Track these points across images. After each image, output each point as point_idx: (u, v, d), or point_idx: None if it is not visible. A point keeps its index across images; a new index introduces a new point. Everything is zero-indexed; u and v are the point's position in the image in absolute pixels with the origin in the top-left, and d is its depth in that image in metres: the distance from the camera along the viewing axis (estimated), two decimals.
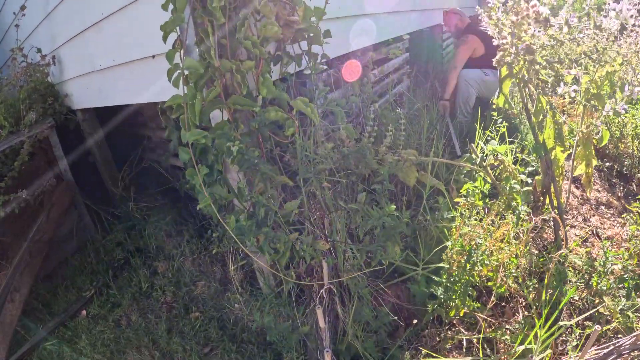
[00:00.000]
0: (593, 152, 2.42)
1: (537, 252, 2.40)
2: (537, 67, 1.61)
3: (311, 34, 1.81)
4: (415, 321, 1.84)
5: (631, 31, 2.34)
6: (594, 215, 3.01)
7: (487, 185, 2.18)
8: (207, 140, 1.51)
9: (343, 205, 1.54)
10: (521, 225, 2.10)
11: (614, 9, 1.44)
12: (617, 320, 1.85)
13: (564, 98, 1.86)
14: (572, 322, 1.75)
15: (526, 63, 1.61)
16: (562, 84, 1.59)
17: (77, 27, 2.75)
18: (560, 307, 1.69)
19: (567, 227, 2.71)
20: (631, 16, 1.55)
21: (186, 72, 1.51)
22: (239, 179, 1.62)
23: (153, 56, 2.07)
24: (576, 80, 2.20)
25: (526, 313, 2.05)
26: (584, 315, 1.81)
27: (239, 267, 2.14)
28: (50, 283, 3.03)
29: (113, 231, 3.21)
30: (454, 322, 1.99)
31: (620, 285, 1.98)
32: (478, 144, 2.61)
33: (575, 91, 1.56)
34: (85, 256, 3.14)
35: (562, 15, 1.50)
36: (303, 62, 1.92)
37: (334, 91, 2.43)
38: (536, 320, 1.90)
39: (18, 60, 3.49)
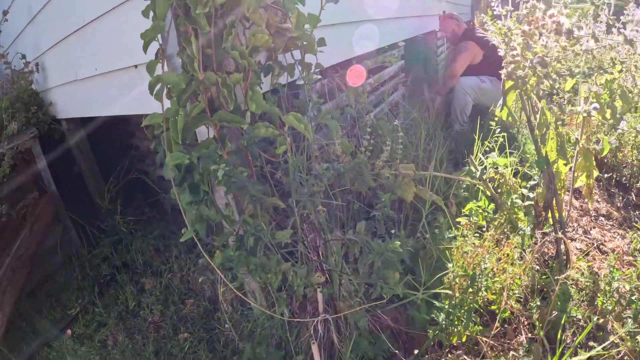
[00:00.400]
0: (594, 163, 2.35)
1: (538, 267, 2.32)
2: (550, 81, 1.52)
3: (304, 43, 1.70)
4: (416, 351, 1.75)
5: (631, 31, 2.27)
6: (594, 227, 2.94)
7: (492, 205, 2.09)
8: (192, 158, 1.41)
9: (341, 235, 1.44)
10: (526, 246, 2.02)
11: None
12: (624, 346, 1.77)
13: (563, 108, 1.77)
14: (585, 357, 1.66)
15: (536, 76, 1.53)
16: (581, 101, 1.50)
17: (59, 34, 2.65)
18: (575, 343, 1.60)
19: (569, 241, 2.64)
20: None
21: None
22: (227, 199, 1.52)
23: (135, 66, 1.96)
24: (575, 91, 2.13)
25: (529, 335, 1.96)
26: (600, 347, 1.72)
27: (228, 288, 2.04)
28: (35, 300, 2.91)
29: (99, 245, 3.09)
30: (455, 344, 1.90)
31: (627, 307, 1.90)
32: (477, 155, 2.53)
33: (595, 109, 1.47)
34: (71, 271, 3.02)
35: (583, 26, 1.42)
36: (295, 72, 1.82)
37: (327, 102, 2.33)
38: (541, 348, 1.82)
39: (1, 68, 3.38)
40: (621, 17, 1.50)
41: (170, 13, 1.41)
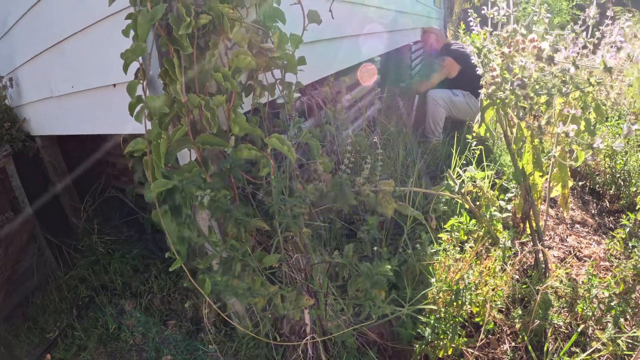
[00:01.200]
0: (569, 173, 2.41)
1: (517, 277, 2.35)
2: (529, 101, 1.56)
3: (285, 62, 1.71)
4: None
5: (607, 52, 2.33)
6: (570, 235, 3.00)
7: (473, 221, 2.13)
8: (174, 181, 1.39)
9: (328, 258, 1.44)
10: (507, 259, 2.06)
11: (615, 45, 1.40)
12: (607, 351, 1.81)
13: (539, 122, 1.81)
14: None
15: (515, 96, 1.56)
16: (560, 123, 1.54)
17: (35, 49, 2.61)
18: (561, 353, 1.62)
19: (547, 250, 2.69)
20: None
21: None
22: (210, 223, 1.50)
23: (114, 85, 1.94)
24: (549, 104, 2.19)
25: (513, 344, 1.99)
26: (585, 355, 1.75)
27: (211, 309, 2.01)
28: (12, 324, 2.82)
29: (76, 266, 3.02)
30: (441, 357, 1.92)
31: (606, 312, 1.94)
32: (455, 169, 2.57)
33: (574, 130, 1.51)
34: (48, 294, 2.94)
35: (562, 49, 1.46)
36: (276, 91, 1.82)
37: (307, 119, 2.34)
38: (525, 355, 1.85)
39: None
40: (604, 38, 1.54)
41: (152, 33, 1.40)
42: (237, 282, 1.27)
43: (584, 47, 1.53)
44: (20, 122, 3.26)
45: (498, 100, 1.65)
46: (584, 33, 1.46)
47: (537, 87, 1.51)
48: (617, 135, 1.62)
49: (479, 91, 1.79)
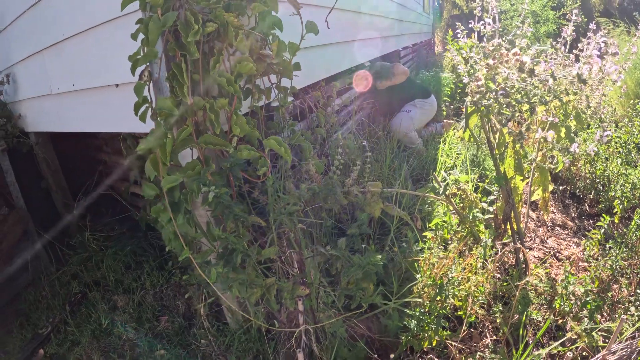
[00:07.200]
0: (549, 177, 2.52)
1: (499, 275, 2.45)
2: (512, 109, 1.67)
3: (282, 68, 1.80)
4: (392, 355, 1.85)
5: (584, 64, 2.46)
6: (550, 237, 3.11)
7: (456, 220, 2.23)
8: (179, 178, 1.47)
9: (323, 251, 1.53)
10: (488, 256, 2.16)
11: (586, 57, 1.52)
12: (582, 342, 1.92)
13: (523, 127, 1.92)
14: (545, 351, 1.79)
15: (497, 104, 1.67)
16: (539, 129, 1.65)
17: (34, 47, 2.64)
18: (534, 339, 1.72)
19: (527, 250, 2.79)
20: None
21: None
22: (208, 218, 1.58)
23: (117, 85, 2.00)
24: (532, 110, 2.30)
25: (494, 337, 2.09)
26: (558, 344, 1.85)
27: (206, 303, 2.08)
28: (4, 319, 2.84)
29: (68, 263, 3.05)
30: (425, 349, 2.01)
31: (582, 307, 2.05)
32: (440, 172, 2.67)
33: (551, 135, 1.62)
34: (40, 290, 2.96)
35: (542, 62, 1.57)
36: (271, 94, 1.91)
37: (299, 122, 2.43)
38: (506, 348, 1.95)
39: None
40: (583, 51, 1.66)
41: (161, 39, 1.47)
42: (235, 274, 1.35)
43: (564, 60, 1.64)
44: (15, 118, 3.28)
45: (482, 108, 1.75)
46: (563, 47, 1.58)
47: (518, 96, 1.62)
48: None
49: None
